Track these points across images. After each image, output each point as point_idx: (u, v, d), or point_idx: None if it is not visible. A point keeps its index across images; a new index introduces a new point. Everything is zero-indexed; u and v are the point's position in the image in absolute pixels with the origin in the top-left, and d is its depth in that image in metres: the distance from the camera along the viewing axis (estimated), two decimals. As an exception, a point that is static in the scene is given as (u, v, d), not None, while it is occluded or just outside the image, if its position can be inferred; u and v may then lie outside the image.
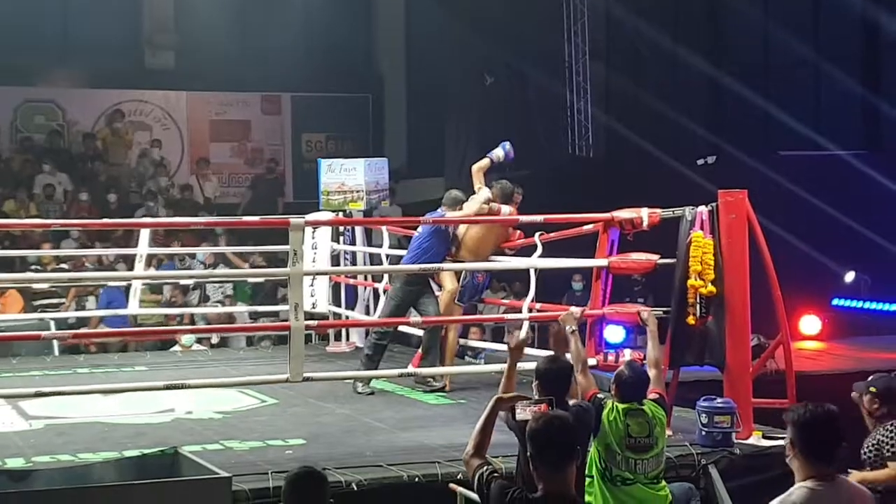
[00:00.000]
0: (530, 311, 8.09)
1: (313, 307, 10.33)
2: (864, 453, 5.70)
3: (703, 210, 6.90)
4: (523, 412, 4.29)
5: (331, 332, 10.95)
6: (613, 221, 7.46)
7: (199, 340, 11.51)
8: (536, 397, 4.72)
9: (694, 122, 14.43)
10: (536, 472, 3.86)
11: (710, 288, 6.73)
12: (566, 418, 3.99)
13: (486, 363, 9.51)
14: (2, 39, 15.68)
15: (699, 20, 15.78)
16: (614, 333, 7.77)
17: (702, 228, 6.84)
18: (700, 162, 13.37)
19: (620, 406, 5.41)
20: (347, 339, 10.85)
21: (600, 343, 7.47)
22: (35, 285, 11.70)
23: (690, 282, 6.76)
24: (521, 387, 5.16)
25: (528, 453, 3.87)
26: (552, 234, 8.09)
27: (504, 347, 9.31)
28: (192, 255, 12.94)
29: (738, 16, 15.33)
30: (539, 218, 7.79)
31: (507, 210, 8.52)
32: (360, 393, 8.28)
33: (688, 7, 15.95)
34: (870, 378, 5.90)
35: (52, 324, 10.70)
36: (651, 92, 15.14)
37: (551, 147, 15.90)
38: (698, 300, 6.74)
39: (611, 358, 7.10)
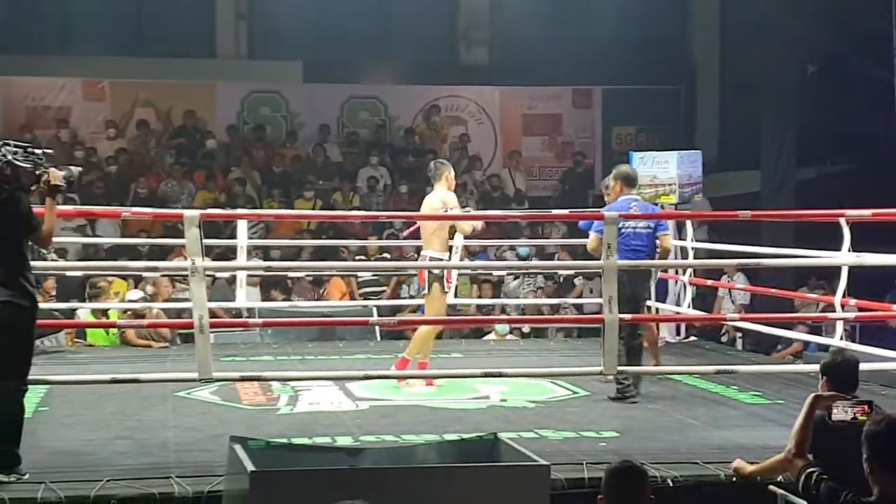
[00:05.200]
0: (843, 307, 7.69)
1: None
2: None
3: None
4: (840, 412, 4.12)
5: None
6: (954, 216, 7.01)
7: (511, 330, 11.77)
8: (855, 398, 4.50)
9: None
10: (872, 476, 3.70)
11: None
12: (909, 420, 3.79)
13: (804, 363, 9.18)
14: (329, 39, 16.57)
15: None
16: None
17: None
18: None
19: None
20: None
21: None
22: (360, 274, 12.38)
23: None
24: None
25: (864, 456, 3.72)
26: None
27: (822, 341, 8.99)
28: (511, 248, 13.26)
29: None
30: (867, 212, 7.42)
31: None
32: (615, 398, 7.79)
33: None
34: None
35: (375, 310, 11.27)
36: None
37: (877, 138, 15.09)
38: None
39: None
